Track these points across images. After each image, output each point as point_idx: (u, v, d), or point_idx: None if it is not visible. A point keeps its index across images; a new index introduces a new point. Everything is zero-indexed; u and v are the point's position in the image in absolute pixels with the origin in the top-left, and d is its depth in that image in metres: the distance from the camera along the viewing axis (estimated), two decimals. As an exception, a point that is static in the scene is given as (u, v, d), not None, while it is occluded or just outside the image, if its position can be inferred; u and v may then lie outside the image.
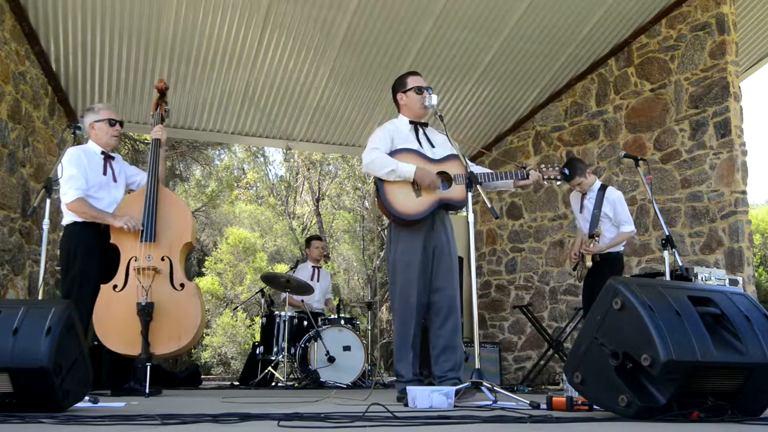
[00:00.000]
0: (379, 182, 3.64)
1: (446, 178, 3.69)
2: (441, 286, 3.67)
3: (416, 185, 3.62)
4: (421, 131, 3.82)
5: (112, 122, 4.41)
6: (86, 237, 4.19)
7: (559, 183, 3.94)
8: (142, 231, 4.10)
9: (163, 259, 4.11)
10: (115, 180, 4.40)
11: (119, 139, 4.57)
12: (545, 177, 3.85)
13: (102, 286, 4.03)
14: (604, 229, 5.07)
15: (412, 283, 3.62)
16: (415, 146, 3.73)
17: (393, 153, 3.65)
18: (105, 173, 4.35)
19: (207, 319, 12.90)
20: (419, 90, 3.80)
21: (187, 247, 4.30)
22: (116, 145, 4.56)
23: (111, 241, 4.13)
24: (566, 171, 3.91)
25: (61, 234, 4.73)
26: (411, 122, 3.82)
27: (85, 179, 4.21)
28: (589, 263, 5.07)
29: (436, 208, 3.64)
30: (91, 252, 4.17)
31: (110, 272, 4.09)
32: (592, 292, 5.01)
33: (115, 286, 4.03)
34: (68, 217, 4.25)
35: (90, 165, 4.28)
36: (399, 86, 3.88)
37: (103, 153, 4.40)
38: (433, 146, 3.79)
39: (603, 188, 5.21)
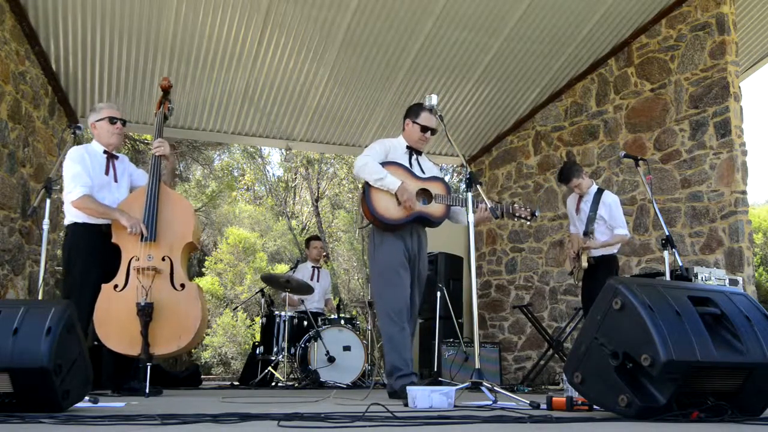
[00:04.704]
0: (366, 186, 3.89)
1: (428, 196, 3.95)
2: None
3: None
4: (414, 156, 4.09)
5: (113, 120, 4.34)
6: (87, 237, 4.17)
7: (529, 223, 4.10)
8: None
9: (164, 259, 4.10)
10: (116, 180, 4.35)
11: (122, 137, 4.52)
12: (516, 214, 4.02)
13: (103, 285, 4.02)
14: (598, 232, 5.19)
15: (397, 285, 3.82)
16: (406, 164, 4.00)
17: (383, 164, 3.90)
18: (107, 173, 4.31)
19: (207, 319, 12.88)
20: (424, 129, 4.03)
21: (189, 248, 4.29)
22: (119, 144, 4.49)
23: (113, 241, 4.12)
24: (537, 213, 4.08)
25: (61, 234, 4.73)
26: (408, 147, 4.09)
27: (89, 177, 4.19)
28: (585, 264, 5.12)
29: (414, 218, 3.89)
30: (92, 252, 4.15)
31: (112, 272, 4.08)
32: (590, 294, 5.11)
33: (115, 286, 4.02)
34: (70, 217, 4.23)
35: (92, 164, 4.24)
36: (411, 113, 4.10)
37: (105, 153, 4.35)
38: (423, 171, 4.05)
39: (600, 192, 5.33)
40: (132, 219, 4.07)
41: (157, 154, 4.32)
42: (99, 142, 4.37)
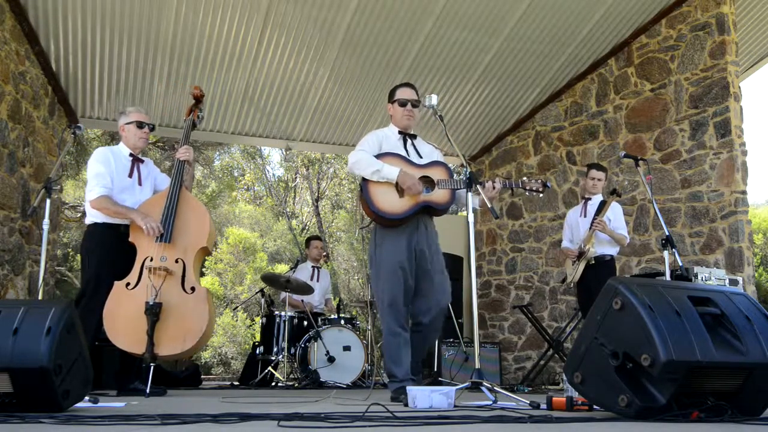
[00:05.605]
0: (363, 182, 3.71)
1: (429, 183, 3.75)
2: (421, 288, 3.75)
3: (399, 187, 3.67)
4: (409, 141, 3.90)
5: (141, 124, 4.40)
6: (105, 237, 4.18)
7: (541, 195, 3.92)
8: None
9: (177, 261, 4.10)
10: (140, 183, 4.37)
11: (147, 141, 4.56)
12: (527, 188, 3.83)
13: (115, 282, 4.02)
14: (600, 235, 5.22)
15: (398, 286, 3.66)
16: (402, 153, 3.81)
17: (378, 156, 3.73)
18: (131, 176, 4.34)
19: (214, 324, 12.85)
20: (402, 103, 3.87)
21: (203, 252, 4.31)
22: (144, 147, 4.54)
23: (129, 239, 4.13)
24: (548, 184, 3.93)
25: (61, 234, 4.73)
26: (400, 132, 3.91)
27: (111, 179, 4.21)
28: (592, 250, 5.15)
29: (419, 209, 3.69)
30: (108, 252, 4.15)
31: (127, 272, 4.08)
32: (588, 294, 5.13)
33: (127, 284, 4.03)
34: (90, 217, 4.24)
35: (117, 166, 4.28)
36: (389, 97, 3.98)
37: (131, 156, 4.39)
38: (420, 156, 3.86)
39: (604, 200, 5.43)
40: (147, 219, 4.07)
41: (181, 159, 4.36)
42: (126, 145, 4.42)
